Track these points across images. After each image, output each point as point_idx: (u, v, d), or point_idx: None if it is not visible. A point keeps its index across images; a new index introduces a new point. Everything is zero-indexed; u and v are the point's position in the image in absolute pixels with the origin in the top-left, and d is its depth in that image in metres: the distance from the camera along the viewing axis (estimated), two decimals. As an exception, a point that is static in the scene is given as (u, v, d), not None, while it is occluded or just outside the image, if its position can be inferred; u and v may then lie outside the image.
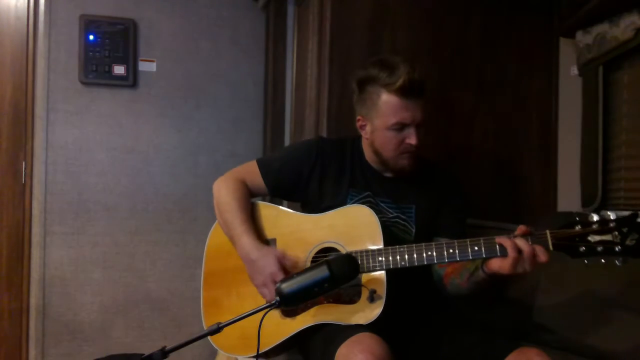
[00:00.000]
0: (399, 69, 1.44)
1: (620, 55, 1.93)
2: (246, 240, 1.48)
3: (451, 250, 1.30)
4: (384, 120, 1.48)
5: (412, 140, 1.48)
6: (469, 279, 1.36)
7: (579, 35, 2.06)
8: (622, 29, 1.84)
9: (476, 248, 1.28)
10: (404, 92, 1.44)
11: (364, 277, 1.38)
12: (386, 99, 1.47)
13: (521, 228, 1.25)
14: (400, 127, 1.48)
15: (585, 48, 2.03)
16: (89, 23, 2.63)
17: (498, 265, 1.24)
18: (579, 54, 2.07)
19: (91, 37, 2.63)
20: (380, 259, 1.36)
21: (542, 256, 1.21)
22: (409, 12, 2.08)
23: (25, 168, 2.66)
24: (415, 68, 1.46)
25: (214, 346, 1.54)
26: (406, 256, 1.34)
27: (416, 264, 1.34)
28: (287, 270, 1.41)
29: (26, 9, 2.65)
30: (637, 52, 1.89)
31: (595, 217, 1.21)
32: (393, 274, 1.37)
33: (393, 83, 1.44)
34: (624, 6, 1.81)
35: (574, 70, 2.15)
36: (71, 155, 2.66)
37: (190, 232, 2.77)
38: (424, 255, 1.33)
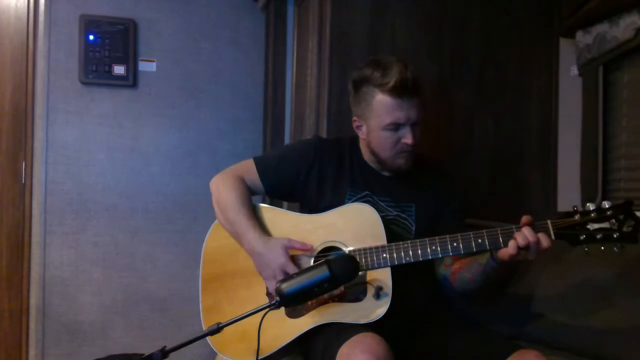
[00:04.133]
0: (392, 68, 1.43)
1: (620, 55, 1.93)
2: (252, 235, 1.48)
3: (455, 244, 1.32)
4: (378, 120, 1.47)
5: (408, 139, 1.47)
6: (480, 271, 1.38)
7: (579, 35, 2.06)
8: (622, 29, 1.84)
9: (480, 240, 1.30)
10: (397, 91, 1.43)
11: (369, 274, 1.39)
12: (380, 99, 1.46)
13: (524, 219, 1.29)
14: (395, 126, 1.47)
15: (585, 48, 2.03)
16: (89, 23, 2.63)
17: (505, 253, 1.27)
18: (579, 54, 2.07)
19: (91, 37, 2.63)
20: (384, 255, 1.37)
21: (545, 242, 1.25)
22: (409, 12, 2.08)
23: (25, 168, 2.66)
24: (408, 67, 1.45)
25: (216, 351, 1.51)
26: (410, 252, 1.35)
27: (421, 259, 1.35)
28: (296, 260, 1.44)
29: (26, 9, 2.65)
30: (637, 52, 1.89)
31: (592, 207, 1.25)
32: (397, 272, 1.38)
33: (386, 83, 1.43)
34: (624, 6, 1.81)
35: (574, 70, 2.15)
36: (71, 155, 2.66)
37: (190, 232, 2.77)
38: (428, 250, 1.34)
